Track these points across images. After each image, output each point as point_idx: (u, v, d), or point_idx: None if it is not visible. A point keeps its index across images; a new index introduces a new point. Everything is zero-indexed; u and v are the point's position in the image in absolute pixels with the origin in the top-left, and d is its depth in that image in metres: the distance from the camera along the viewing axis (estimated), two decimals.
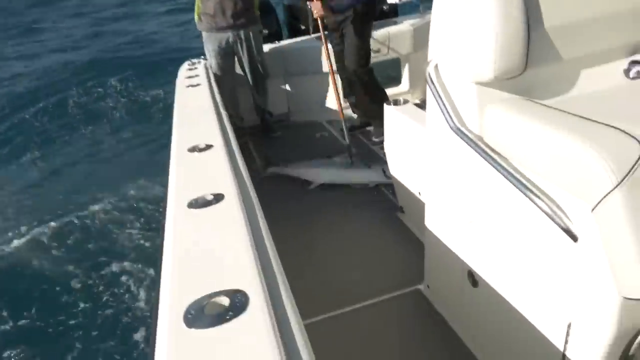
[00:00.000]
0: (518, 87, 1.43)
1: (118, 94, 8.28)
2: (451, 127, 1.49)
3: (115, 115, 7.59)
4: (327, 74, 4.31)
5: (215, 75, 3.81)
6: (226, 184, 1.39)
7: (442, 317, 2.03)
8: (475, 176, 1.51)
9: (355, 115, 4.29)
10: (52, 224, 4.56)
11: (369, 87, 3.76)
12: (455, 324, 1.95)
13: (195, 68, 3.71)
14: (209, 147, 1.75)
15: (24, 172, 6.16)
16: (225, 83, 3.91)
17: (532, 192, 1.24)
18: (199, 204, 1.27)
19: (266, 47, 4.20)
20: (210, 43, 3.91)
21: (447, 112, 1.50)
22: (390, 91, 4.08)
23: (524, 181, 1.27)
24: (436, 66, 1.59)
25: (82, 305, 3.49)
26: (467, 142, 1.44)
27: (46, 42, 13.58)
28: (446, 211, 1.80)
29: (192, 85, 3.04)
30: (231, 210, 1.24)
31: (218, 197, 1.29)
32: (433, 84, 1.58)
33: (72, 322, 3.44)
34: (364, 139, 3.97)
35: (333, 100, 4.45)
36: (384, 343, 2.00)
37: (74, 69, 10.00)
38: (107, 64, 9.98)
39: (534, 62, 1.37)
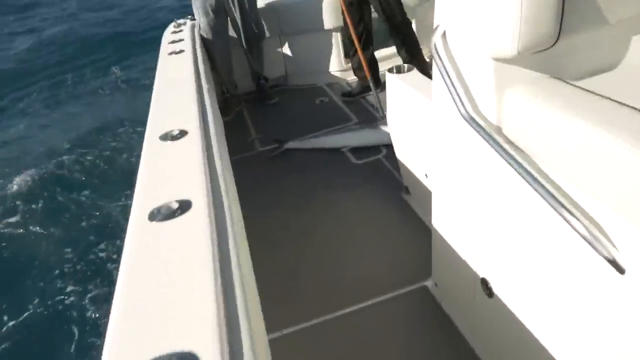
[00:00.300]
0: (548, 62, 1.12)
1: (116, 76, 7.92)
2: (462, 115, 1.18)
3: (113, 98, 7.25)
4: (327, 31, 3.94)
5: (204, 37, 3.47)
6: (196, 187, 1.20)
7: (449, 319, 1.79)
8: (490, 174, 1.23)
9: (354, 79, 3.92)
10: (43, 199, 4.39)
11: (414, 35, 3.38)
12: (466, 330, 1.72)
13: (181, 30, 3.37)
14: (183, 133, 1.56)
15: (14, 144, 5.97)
16: (217, 46, 3.57)
17: (562, 205, 0.96)
18: (161, 215, 1.08)
19: (259, 3, 3.82)
20: (199, 0, 3.53)
21: (458, 95, 1.19)
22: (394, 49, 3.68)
23: (552, 190, 0.99)
24: (444, 34, 1.27)
25: (70, 287, 3.34)
26: (480, 134, 1.14)
27: (45, 16, 13.10)
28: (455, 208, 1.52)
29: (175, 52, 2.73)
30: (196, 225, 1.04)
31: (184, 206, 1.11)
32: (440, 58, 1.26)
33: (65, 303, 3.30)
34: (367, 106, 3.65)
35: (334, 61, 4.09)
36: (386, 347, 1.78)
37: (71, 42, 9.66)
38: (103, 38, 9.60)
39: (570, 30, 1.05)
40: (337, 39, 3.97)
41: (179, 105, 1.87)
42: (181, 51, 2.73)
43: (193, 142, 1.51)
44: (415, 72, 2.08)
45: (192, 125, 1.63)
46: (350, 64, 4.03)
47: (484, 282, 1.43)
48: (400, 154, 2.33)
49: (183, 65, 2.46)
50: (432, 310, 1.85)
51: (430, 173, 2.00)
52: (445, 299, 1.82)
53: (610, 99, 0.97)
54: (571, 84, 1.07)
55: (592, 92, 1.03)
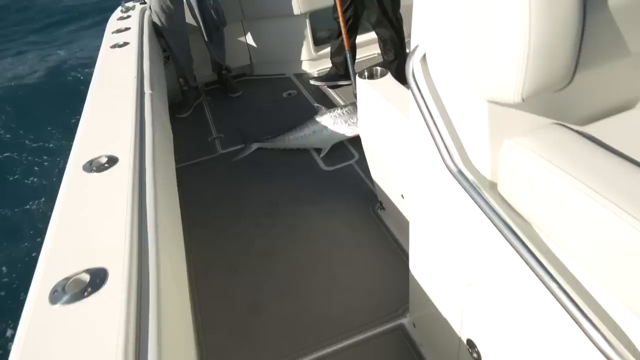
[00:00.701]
0: (556, 104, 0.89)
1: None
2: (447, 166, 0.95)
3: None
4: (295, 17, 3.62)
5: (157, 23, 3.12)
6: (116, 247, 0.99)
7: None
8: (478, 234, 1.00)
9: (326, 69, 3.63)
10: None
11: (401, 32, 3.13)
12: None
13: (129, 16, 3.01)
14: (112, 162, 1.31)
15: None
16: (172, 32, 3.22)
17: (568, 296, 0.73)
18: (66, 293, 0.88)
19: None
20: None
21: (443, 141, 0.95)
22: (372, 35, 3.39)
23: (555, 274, 0.76)
24: (424, 58, 1.02)
25: None
26: (469, 192, 0.91)
27: None
28: (437, 260, 1.30)
29: (119, 45, 2.40)
30: (108, 310, 0.84)
31: (96, 278, 0.90)
32: (419, 89, 1.00)
33: None
34: (338, 98, 3.38)
35: (303, 49, 3.78)
36: None
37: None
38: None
39: (586, 63, 0.82)
40: (306, 25, 3.66)
41: (113, 121, 1.59)
42: (125, 44, 2.40)
43: (123, 175, 1.27)
44: (389, 79, 1.83)
45: (126, 150, 1.37)
46: (319, 53, 3.76)
47: (471, 344, 1.23)
48: (374, 169, 2.09)
49: (126, 62, 2.15)
50: (409, 353, 1.64)
51: (407, 194, 1.77)
52: (426, 345, 1.62)
53: (625, 156, 0.76)
54: (582, 134, 0.85)
55: (605, 145, 0.81)
